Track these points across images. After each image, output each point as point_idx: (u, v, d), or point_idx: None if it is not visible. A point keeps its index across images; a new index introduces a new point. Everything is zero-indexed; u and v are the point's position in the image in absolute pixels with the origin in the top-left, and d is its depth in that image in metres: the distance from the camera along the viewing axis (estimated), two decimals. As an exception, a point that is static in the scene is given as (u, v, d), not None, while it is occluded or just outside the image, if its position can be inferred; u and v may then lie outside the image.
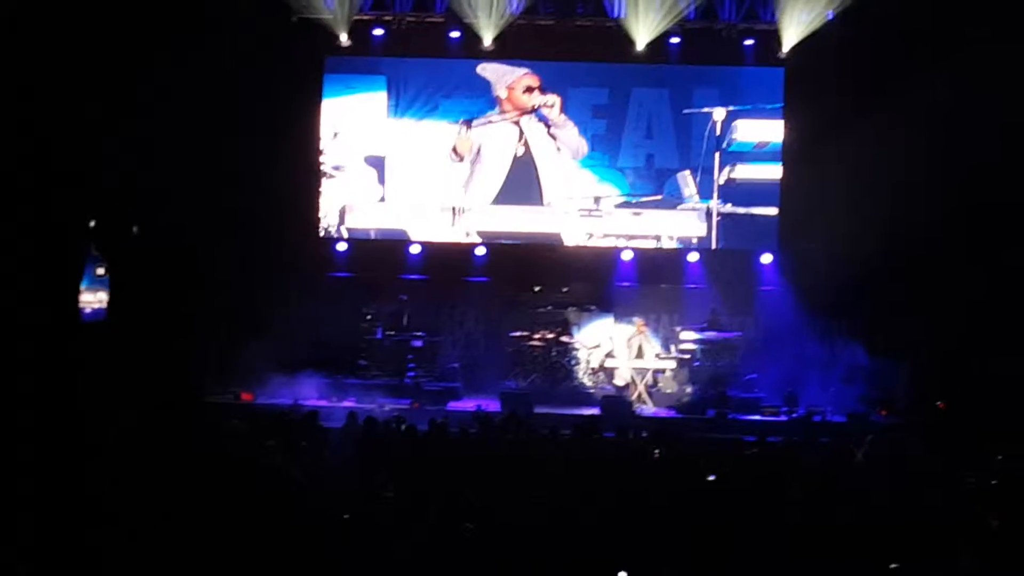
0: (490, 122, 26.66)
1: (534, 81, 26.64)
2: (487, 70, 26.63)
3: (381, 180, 26.85)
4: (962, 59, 22.61)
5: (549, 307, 26.12)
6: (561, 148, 26.61)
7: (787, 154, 26.02)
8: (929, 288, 23.78)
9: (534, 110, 26.58)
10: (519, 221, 26.75)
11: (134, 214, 22.73)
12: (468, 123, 26.64)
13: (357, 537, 7.20)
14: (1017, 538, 10.47)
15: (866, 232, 23.10)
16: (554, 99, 26.55)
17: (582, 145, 26.64)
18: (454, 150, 26.63)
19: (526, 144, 26.68)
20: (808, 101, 25.52)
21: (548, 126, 26.63)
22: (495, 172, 26.71)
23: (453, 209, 26.72)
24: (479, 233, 26.70)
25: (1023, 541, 10.28)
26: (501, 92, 26.62)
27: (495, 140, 26.71)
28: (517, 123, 26.70)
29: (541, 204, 26.67)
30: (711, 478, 12.76)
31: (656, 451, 15.70)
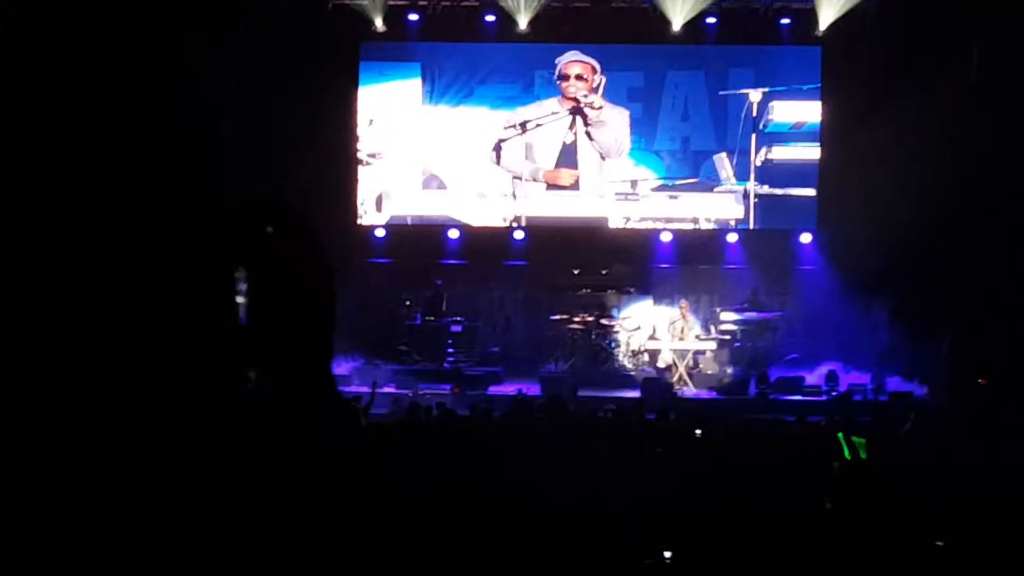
0: (539, 125, 26.66)
1: (585, 70, 26.63)
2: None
3: (418, 167, 26.90)
4: (999, 37, 22.53)
5: (588, 290, 26.13)
6: (605, 142, 26.59)
7: (825, 134, 25.98)
8: (968, 266, 23.71)
9: (579, 105, 26.59)
10: (559, 206, 26.76)
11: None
12: (523, 126, 26.66)
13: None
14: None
15: (905, 210, 23.07)
16: (599, 79, 26.54)
17: (624, 142, 26.63)
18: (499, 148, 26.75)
19: (575, 134, 26.68)
20: (845, 80, 25.47)
21: (589, 123, 26.66)
22: (544, 161, 26.75)
23: (493, 193, 26.79)
24: (520, 218, 26.75)
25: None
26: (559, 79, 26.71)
27: (545, 133, 26.75)
28: (571, 113, 26.71)
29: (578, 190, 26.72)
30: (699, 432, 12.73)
31: (698, 432, 15.74)
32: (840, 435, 15.45)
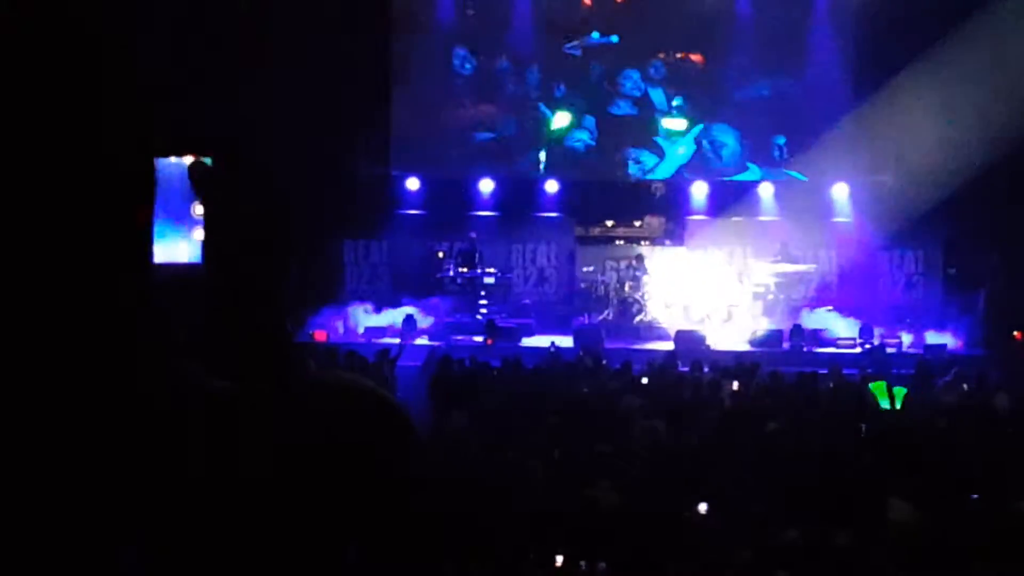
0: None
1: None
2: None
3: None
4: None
5: (622, 241, 26.08)
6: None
7: (861, 86, 25.83)
8: (1005, 219, 23.60)
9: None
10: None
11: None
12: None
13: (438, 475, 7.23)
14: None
15: (940, 162, 22.95)
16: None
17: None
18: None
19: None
20: (881, 30, 25.27)
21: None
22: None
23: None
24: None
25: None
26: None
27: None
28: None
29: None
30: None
31: (735, 385, 15.73)
32: (873, 385, 15.46)
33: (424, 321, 23.39)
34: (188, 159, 1.99)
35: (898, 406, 15.02)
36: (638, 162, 27.04)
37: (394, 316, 23.38)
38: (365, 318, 23.40)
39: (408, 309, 23.56)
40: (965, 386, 16.62)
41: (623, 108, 27.13)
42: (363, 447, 1.90)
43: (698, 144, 27.04)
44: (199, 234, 1.90)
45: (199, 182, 1.97)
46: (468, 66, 27.24)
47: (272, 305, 2.07)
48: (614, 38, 26.85)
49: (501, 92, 27.31)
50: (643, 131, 27.08)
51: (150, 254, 1.81)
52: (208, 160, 2.00)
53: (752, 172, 26.89)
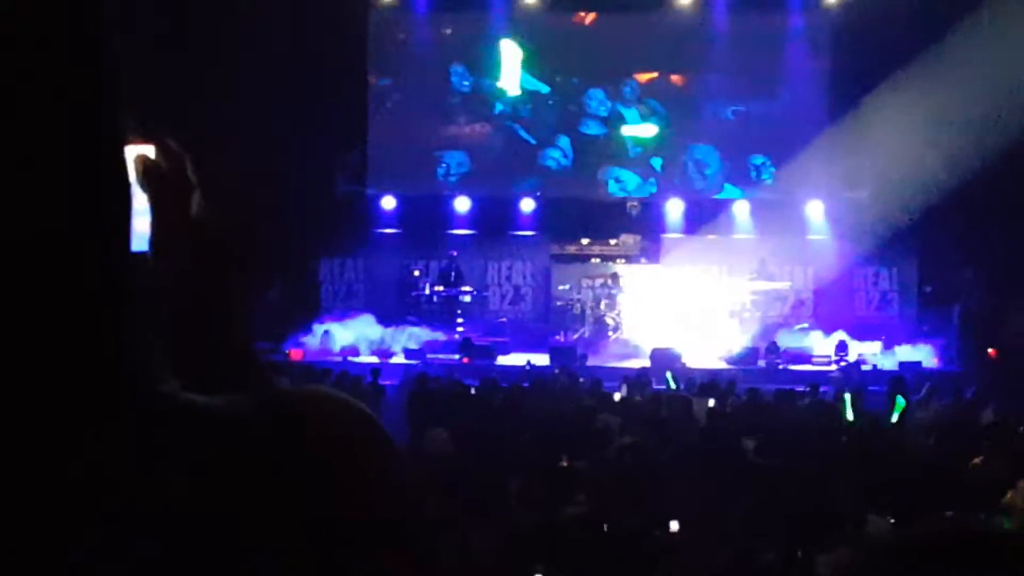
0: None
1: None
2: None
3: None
4: (1019, 9, 22.41)
5: (597, 259, 26.10)
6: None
7: (835, 104, 25.90)
8: (979, 235, 23.66)
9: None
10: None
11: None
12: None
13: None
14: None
15: (916, 180, 23.03)
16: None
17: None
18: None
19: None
20: (855, 48, 25.36)
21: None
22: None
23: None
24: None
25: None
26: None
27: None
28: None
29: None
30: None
31: (710, 402, 15.72)
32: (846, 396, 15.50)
33: (398, 340, 23.39)
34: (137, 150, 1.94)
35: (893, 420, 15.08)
36: (618, 181, 27.08)
37: (370, 333, 23.39)
38: (340, 336, 23.38)
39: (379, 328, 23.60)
40: (939, 403, 16.68)
41: (592, 128, 27.17)
42: (340, 459, 1.86)
43: (683, 164, 27.08)
44: (143, 224, 1.78)
45: (144, 175, 1.92)
46: (467, 84, 27.28)
47: (226, 310, 2.02)
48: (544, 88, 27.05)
49: (494, 112, 27.39)
50: (614, 149, 27.09)
51: (128, 244, 1.76)
52: (151, 151, 1.95)
53: (729, 192, 26.94)
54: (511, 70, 26.96)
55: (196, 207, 1.99)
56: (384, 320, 23.97)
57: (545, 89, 27.09)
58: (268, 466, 1.76)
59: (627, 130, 27.07)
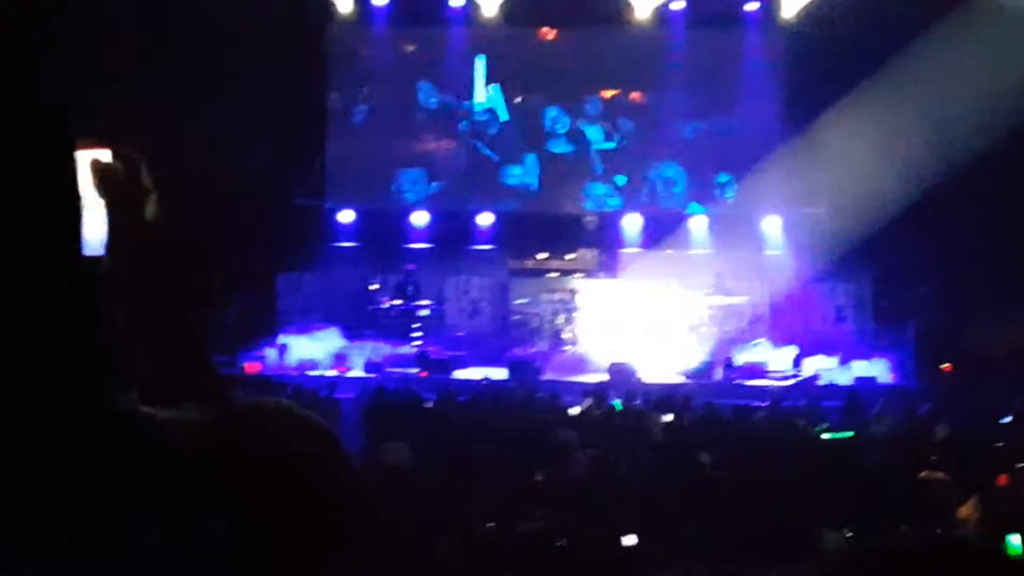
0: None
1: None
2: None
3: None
4: (969, 28, 22.56)
5: (555, 274, 26.12)
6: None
7: (792, 120, 26.01)
8: (934, 250, 23.80)
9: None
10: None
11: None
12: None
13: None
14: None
15: (873, 195, 23.13)
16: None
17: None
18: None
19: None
20: (812, 65, 25.48)
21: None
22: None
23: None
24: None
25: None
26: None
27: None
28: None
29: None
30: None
31: (667, 418, 15.76)
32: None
33: (358, 353, 23.34)
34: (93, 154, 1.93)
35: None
36: (592, 197, 27.15)
37: (327, 347, 23.35)
38: (297, 350, 23.32)
39: (339, 342, 23.55)
40: (894, 418, 16.78)
41: (559, 145, 27.21)
42: (296, 471, 1.86)
43: (651, 183, 27.13)
44: (98, 227, 1.75)
45: (100, 179, 1.92)
46: (433, 101, 27.28)
47: (181, 315, 2.03)
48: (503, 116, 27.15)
49: (457, 128, 27.41)
50: (582, 166, 27.15)
51: (79, 249, 1.75)
52: (108, 156, 1.95)
53: (693, 210, 27.01)
54: (483, 87, 27.03)
55: (151, 212, 1.98)
56: (343, 335, 23.92)
57: (504, 111, 27.11)
58: (222, 479, 1.77)
59: (594, 147, 27.11)
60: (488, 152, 27.23)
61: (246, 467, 1.80)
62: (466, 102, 27.24)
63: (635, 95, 27.20)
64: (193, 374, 2.04)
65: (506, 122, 27.21)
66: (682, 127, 26.99)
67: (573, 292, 25.07)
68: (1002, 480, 11.42)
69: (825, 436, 14.88)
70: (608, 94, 27.16)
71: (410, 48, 27.38)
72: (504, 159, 27.21)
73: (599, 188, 27.17)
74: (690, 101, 26.88)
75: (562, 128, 27.13)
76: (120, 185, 1.95)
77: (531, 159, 27.17)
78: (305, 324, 24.47)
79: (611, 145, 27.11)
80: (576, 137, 27.17)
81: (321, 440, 1.90)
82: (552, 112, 27.07)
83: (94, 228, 1.88)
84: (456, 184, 27.25)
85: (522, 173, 27.18)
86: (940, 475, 11.47)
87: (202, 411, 1.84)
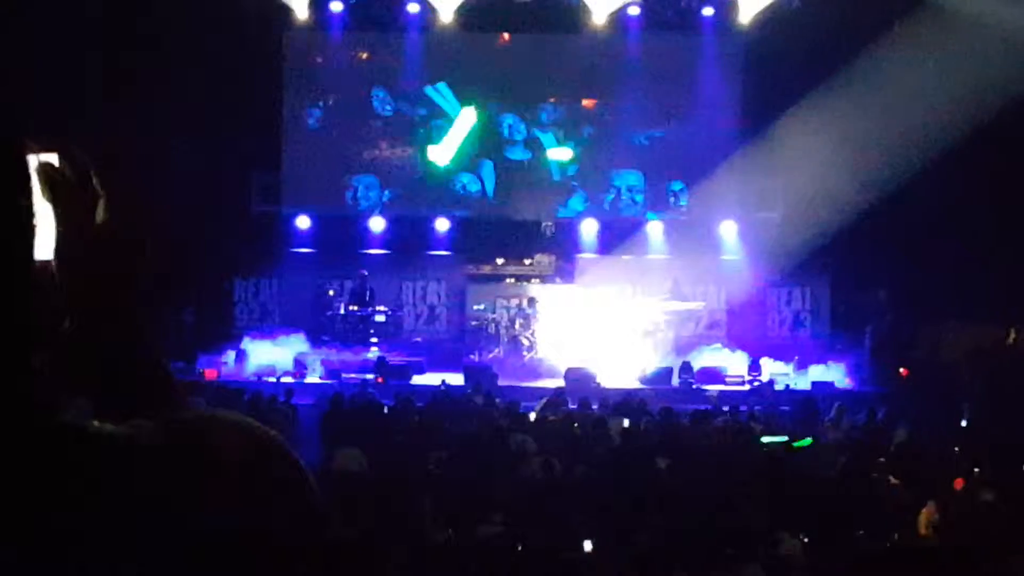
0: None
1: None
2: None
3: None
4: (923, 35, 22.68)
5: (512, 279, 26.11)
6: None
7: (747, 126, 26.10)
8: (890, 255, 23.93)
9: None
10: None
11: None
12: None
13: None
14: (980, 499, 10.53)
15: (828, 201, 23.23)
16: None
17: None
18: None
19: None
20: (767, 71, 25.56)
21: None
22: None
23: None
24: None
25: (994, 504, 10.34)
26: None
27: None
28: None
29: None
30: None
31: (625, 423, 15.76)
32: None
33: (316, 359, 23.29)
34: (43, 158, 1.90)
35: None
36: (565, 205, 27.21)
37: (285, 353, 23.28)
38: (255, 356, 23.25)
39: (299, 347, 23.49)
40: (851, 422, 16.86)
41: (516, 152, 27.20)
42: (246, 485, 1.83)
43: (616, 191, 27.15)
44: (47, 231, 1.71)
45: (47, 182, 1.89)
46: (388, 108, 27.24)
47: (131, 323, 1.99)
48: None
49: (412, 135, 27.36)
50: (539, 173, 27.13)
51: (31, 252, 1.73)
52: (54, 158, 1.91)
53: (650, 217, 27.05)
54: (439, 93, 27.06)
55: (101, 216, 1.95)
56: (301, 340, 23.87)
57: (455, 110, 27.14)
58: (170, 495, 1.73)
59: (551, 154, 27.12)
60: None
61: (197, 485, 1.77)
62: (421, 109, 27.19)
63: (590, 102, 27.21)
64: (149, 382, 2.00)
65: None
66: (637, 134, 26.99)
67: (530, 298, 25.05)
68: (958, 484, 11.48)
69: (766, 440, 14.91)
70: (564, 100, 27.16)
71: (365, 55, 27.34)
72: (458, 167, 27.15)
73: (557, 194, 27.13)
74: (646, 107, 26.88)
75: (519, 135, 27.11)
76: (69, 188, 1.92)
77: (488, 166, 27.14)
78: (263, 330, 24.42)
79: (568, 151, 27.07)
80: (532, 144, 27.14)
81: (273, 456, 1.87)
82: (509, 119, 27.05)
83: (43, 232, 1.85)
84: (410, 191, 27.17)
85: (472, 180, 27.14)
86: (893, 480, 11.53)
87: (156, 424, 1.81)
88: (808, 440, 15.13)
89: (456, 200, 27.14)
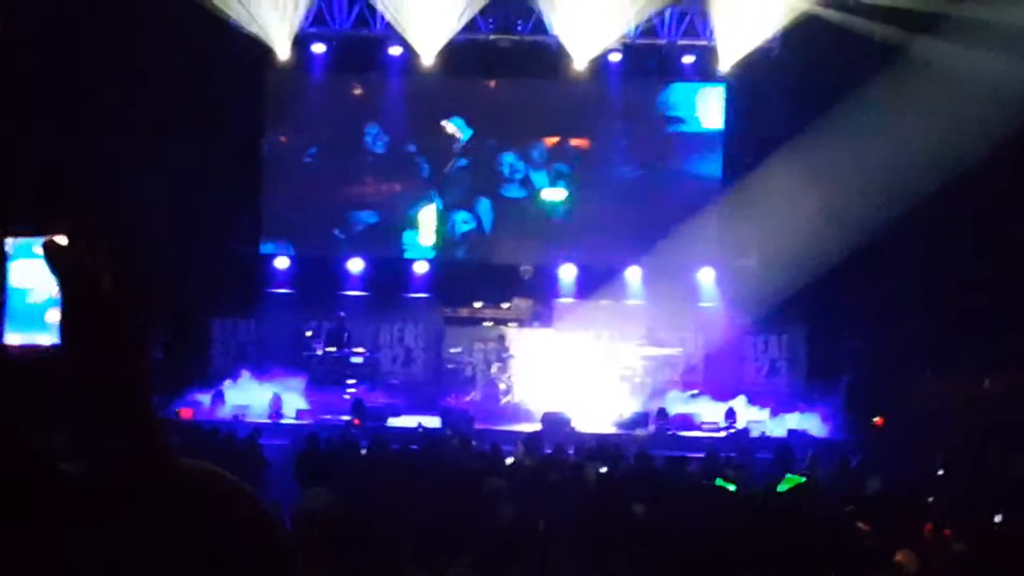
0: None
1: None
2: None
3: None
4: (900, 84, 22.77)
5: (490, 323, 26.11)
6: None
7: (727, 172, 26.20)
8: (866, 304, 23.97)
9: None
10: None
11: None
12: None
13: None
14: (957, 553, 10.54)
15: (804, 249, 23.27)
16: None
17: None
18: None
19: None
20: (747, 118, 25.68)
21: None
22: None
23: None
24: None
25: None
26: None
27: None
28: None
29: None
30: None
31: (603, 467, 15.74)
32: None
33: (292, 399, 23.24)
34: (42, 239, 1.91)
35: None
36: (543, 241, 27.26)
37: (262, 394, 23.22)
38: (232, 397, 23.19)
39: (275, 388, 23.43)
40: (824, 470, 16.88)
41: (512, 191, 27.23)
42: (222, 548, 1.83)
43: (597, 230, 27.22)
44: (54, 315, 1.74)
45: (53, 261, 1.89)
46: (380, 144, 27.25)
47: (135, 388, 1.99)
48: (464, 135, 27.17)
49: (410, 173, 27.41)
50: (535, 212, 27.18)
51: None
52: (63, 238, 1.92)
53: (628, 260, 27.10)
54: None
55: (107, 286, 1.95)
56: (278, 380, 23.80)
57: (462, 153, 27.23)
58: (140, 541, 1.74)
59: (546, 194, 27.17)
60: (435, 198, 27.21)
61: (161, 532, 1.78)
62: (411, 146, 27.21)
63: (577, 142, 27.25)
64: (133, 425, 2.00)
65: (463, 167, 27.21)
66: (619, 177, 27.03)
67: (507, 341, 25.07)
68: (927, 529, 11.51)
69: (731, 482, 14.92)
70: (551, 140, 27.19)
71: (357, 91, 27.40)
72: (452, 205, 27.20)
73: (547, 233, 27.14)
74: (625, 152, 26.97)
75: (519, 174, 27.13)
76: (75, 264, 1.92)
77: (485, 204, 27.17)
78: (239, 370, 24.35)
79: (562, 191, 27.11)
80: (526, 182, 27.20)
81: (240, 507, 1.88)
82: (509, 157, 27.06)
83: (50, 314, 1.87)
84: (402, 228, 27.19)
85: (467, 218, 27.17)
86: (864, 527, 11.53)
87: (122, 472, 1.81)
88: (802, 479, 15.16)
89: (454, 244, 27.21)
